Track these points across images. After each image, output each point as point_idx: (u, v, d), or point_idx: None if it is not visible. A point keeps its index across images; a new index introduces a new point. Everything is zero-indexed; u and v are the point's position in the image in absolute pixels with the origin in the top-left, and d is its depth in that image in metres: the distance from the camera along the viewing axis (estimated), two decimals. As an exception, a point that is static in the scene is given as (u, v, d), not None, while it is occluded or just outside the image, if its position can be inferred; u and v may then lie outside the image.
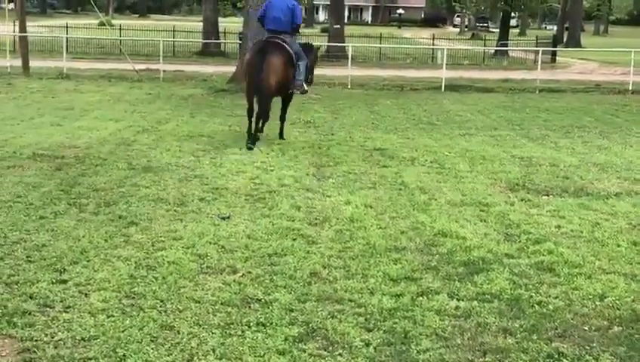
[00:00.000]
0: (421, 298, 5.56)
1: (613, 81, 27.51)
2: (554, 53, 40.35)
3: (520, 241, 7.14)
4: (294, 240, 6.94)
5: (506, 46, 42.68)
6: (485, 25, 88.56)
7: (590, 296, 5.68)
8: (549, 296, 5.68)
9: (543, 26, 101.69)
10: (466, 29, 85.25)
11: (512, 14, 57.69)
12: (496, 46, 43.92)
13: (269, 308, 5.30)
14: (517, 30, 79.07)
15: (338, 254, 6.58)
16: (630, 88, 24.59)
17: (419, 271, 6.16)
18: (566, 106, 19.82)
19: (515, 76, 29.43)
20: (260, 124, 12.79)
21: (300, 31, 14.15)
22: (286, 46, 12.47)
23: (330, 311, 5.29)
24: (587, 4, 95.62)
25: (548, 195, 9.24)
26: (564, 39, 62.51)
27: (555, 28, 75.66)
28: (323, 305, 5.38)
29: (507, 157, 11.87)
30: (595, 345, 4.85)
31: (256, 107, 12.40)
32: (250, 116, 12.37)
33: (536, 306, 5.46)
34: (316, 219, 7.76)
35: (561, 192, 9.38)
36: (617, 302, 5.58)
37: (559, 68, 37.56)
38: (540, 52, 30.67)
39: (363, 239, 7.05)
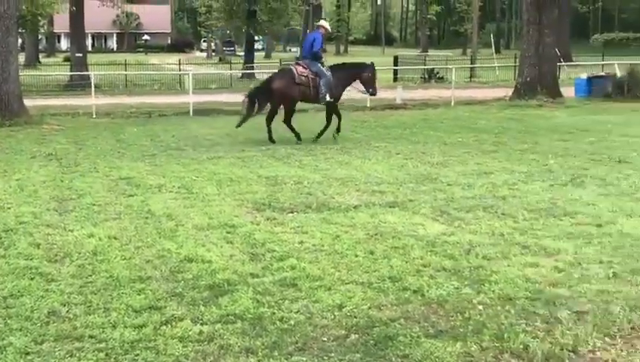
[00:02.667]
0: (164, 326, 5.51)
1: (353, 99, 28.76)
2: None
3: (265, 260, 7.28)
4: (32, 279, 6.64)
5: (253, 69, 43.55)
6: (232, 49, 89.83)
7: (330, 307, 5.90)
8: (291, 311, 5.83)
9: (288, 48, 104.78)
10: (213, 54, 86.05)
11: (257, 38, 59.08)
12: (243, 69, 44.73)
13: (2, 353, 5.01)
14: (263, 53, 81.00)
15: (79, 290, 6.37)
16: (368, 105, 25.92)
17: (163, 300, 6.10)
18: (309, 124, 20.47)
19: (261, 98, 29.97)
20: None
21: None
22: (293, 68, 16.91)
23: (69, 349, 5.10)
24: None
25: (292, 212, 9.49)
26: (308, 60, 64.74)
27: (298, 50, 78.21)
28: (61, 345, 5.18)
29: (254, 177, 12.08)
30: (333, 354, 5.05)
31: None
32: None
33: (278, 322, 5.59)
34: (56, 255, 7.47)
35: (305, 208, 9.68)
36: (355, 310, 5.83)
37: (304, 88, 38.77)
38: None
39: (106, 272, 6.87)
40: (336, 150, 15.31)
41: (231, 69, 44.71)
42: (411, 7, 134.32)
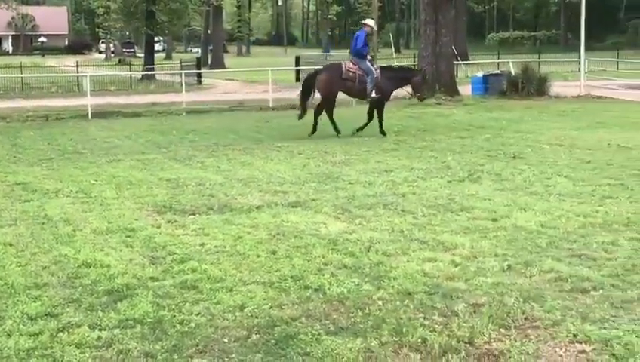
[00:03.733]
0: (61, 333, 5.39)
1: (256, 99, 28.88)
2: (199, 75, 41.41)
3: (165, 263, 7.21)
4: None
5: (153, 70, 43.01)
6: (132, 50, 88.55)
7: (231, 308, 5.88)
8: (192, 313, 5.79)
9: (189, 48, 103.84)
10: (112, 55, 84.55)
11: (157, 38, 58.34)
12: (143, 70, 44.11)
13: None
14: (163, 54, 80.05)
15: (-28, 299, 6.16)
16: (271, 105, 25.96)
17: (60, 306, 5.97)
18: (212, 126, 20.42)
19: (162, 99, 29.67)
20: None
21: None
22: (343, 64, 17.81)
23: (-39, 361, 4.94)
24: (229, 26, 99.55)
25: (194, 214, 9.42)
26: (209, 61, 64.37)
27: (199, 50, 77.66)
28: (-47, 357, 5.01)
29: (155, 180, 11.93)
30: (234, 355, 5.04)
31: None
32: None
33: (178, 325, 5.54)
34: (-52, 264, 7.21)
35: (207, 210, 9.61)
36: (256, 310, 5.83)
37: (205, 89, 38.56)
38: (183, 75, 31.37)
39: (1, 279, 6.68)
40: (239, 151, 15.25)
41: (130, 71, 43.99)
42: (312, 8, 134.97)
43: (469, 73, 36.60)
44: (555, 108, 23.43)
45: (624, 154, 13.62)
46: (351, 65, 17.67)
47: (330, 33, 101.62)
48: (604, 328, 5.33)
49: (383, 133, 17.38)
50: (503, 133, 17.17)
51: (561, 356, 4.97)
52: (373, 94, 17.54)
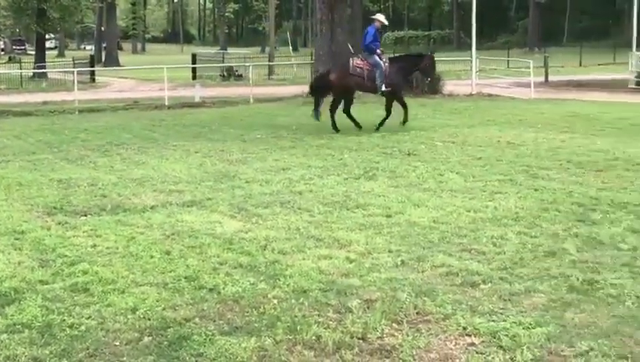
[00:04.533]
0: (-55, 341, 5.18)
1: (151, 97, 28.47)
2: (93, 73, 40.54)
3: (55, 265, 7.02)
4: None
5: (44, 68, 41.88)
6: (22, 47, 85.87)
7: (123, 311, 5.77)
8: (82, 316, 5.66)
9: (82, 46, 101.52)
10: (2, 53, 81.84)
11: (48, 35, 56.80)
12: (34, 68, 42.88)
13: None
14: (55, 51, 78.00)
15: None
16: (166, 103, 25.64)
17: (-57, 313, 5.74)
18: (105, 125, 20.02)
19: (54, 98, 28.93)
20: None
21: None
22: (350, 60, 17.99)
23: None
24: (123, 23, 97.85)
25: (85, 215, 9.21)
26: (103, 58, 63.10)
27: (93, 48, 75.98)
28: None
29: (45, 181, 11.61)
30: (125, 358, 4.95)
31: None
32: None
33: (68, 329, 5.40)
34: None
35: (99, 211, 9.43)
36: (149, 312, 5.74)
37: (99, 87, 37.81)
38: (76, 73, 30.64)
39: None
40: (134, 150, 14.99)
41: (21, 69, 42.71)
42: (209, 5, 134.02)
43: (365, 71, 36.92)
44: (448, 106, 23.94)
45: (513, 150, 14.02)
46: (359, 60, 17.91)
47: (227, 31, 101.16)
48: (493, 320, 5.47)
49: (403, 122, 17.74)
50: (398, 130, 17.41)
51: (451, 349, 5.07)
52: (384, 88, 17.66)
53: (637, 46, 33.85)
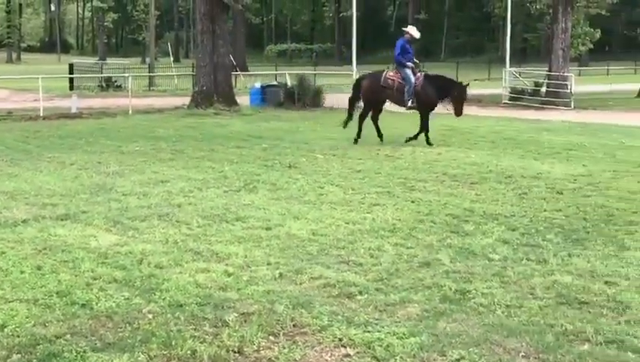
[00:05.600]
0: None
1: (25, 108, 27.52)
2: (-36, 82, 38.96)
3: None
4: None
5: None
6: None
7: (-8, 328, 5.55)
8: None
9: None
10: None
11: None
12: None
13: None
14: None
15: None
16: (42, 114, 24.88)
17: None
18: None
19: None
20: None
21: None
22: (385, 71, 17.99)
23: None
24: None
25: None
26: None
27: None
28: None
29: None
30: (-10, 378, 4.76)
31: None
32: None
33: None
34: None
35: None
36: (18, 329, 5.54)
37: (-29, 97, 36.31)
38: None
39: None
40: (6, 162, 14.45)
41: None
42: (87, 14, 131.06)
43: (247, 84, 37.01)
44: (329, 119, 24.14)
45: (391, 163, 14.30)
46: (392, 73, 17.76)
47: (106, 41, 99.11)
48: (368, 331, 5.54)
49: (428, 142, 17.17)
50: (279, 143, 17.47)
51: (326, 360, 5.11)
52: (410, 103, 17.46)
53: (510, 63, 35.14)
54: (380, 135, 17.86)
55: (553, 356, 5.16)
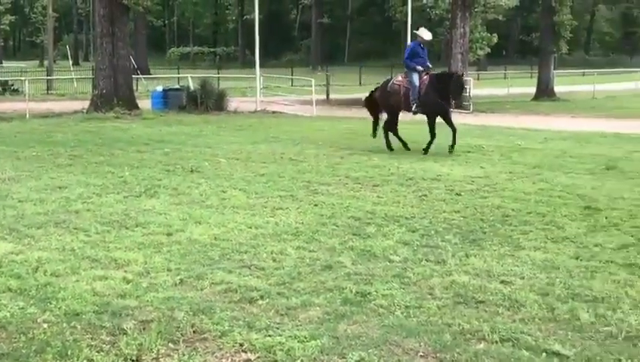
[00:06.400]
0: None
1: None
2: None
3: None
4: None
5: None
6: None
7: None
8: None
9: None
10: None
11: None
12: None
13: None
14: None
15: None
16: None
17: None
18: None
19: None
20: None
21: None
22: (392, 78, 17.74)
23: None
24: None
25: None
26: None
27: None
28: None
29: None
30: None
31: None
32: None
33: None
34: None
35: None
36: None
37: None
38: None
39: None
40: None
41: None
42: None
43: (149, 87, 36.51)
44: (233, 122, 24.10)
45: (295, 166, 14.32)
46: (400, 78, 17.29)
47: (2, 43, 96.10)
48: (269, 335, 5.52)
49: (425, 149, 16.57)
50: (182, 147, 17.29)
51: (227, 366, 5.08)
52: (413, 108, 16.91)
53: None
54: (404, 144, 17.17)
55: (450, 355, 5.26)
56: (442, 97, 16.52)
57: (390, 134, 17.42)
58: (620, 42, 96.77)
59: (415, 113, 17.22)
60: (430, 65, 17.21)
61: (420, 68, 16.89)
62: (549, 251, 8.13)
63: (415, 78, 16.89)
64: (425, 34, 17.36)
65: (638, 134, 21.16)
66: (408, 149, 17.09)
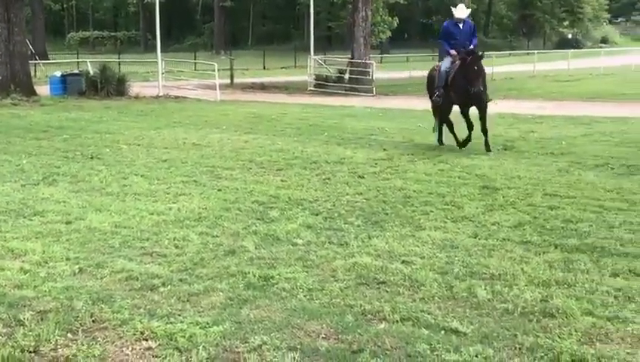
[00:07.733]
0: None
1: None
2: None
3: None
4: None
5: None
6: None
7: None
8: None
9: None
10: None
11: None
12: None
13: None
14: None
15: None
16: None
17: None
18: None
19: None
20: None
21: None
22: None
23: None
24: None
25: None
26: None
27: None
28: None
29: None
30: None
31: None
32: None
33: None
34: None
35: None
36: None
37: None
38: None
39: None
40: None
41: None
42: None
43: (47, 73, 35.55)
44: (134, 108, 23.71)
45: (198, 151, 14.20)
46: (439, 63, 15.48)
47: None
48: (170, 322, 5.48)
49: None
50: (81, 133, 16.91)
51: (127, 355, 5.01)
52: (435, 96, 14.93)
53: (315, 51, 35.83)
54: (458, 142, 14.85)
55: (352, 336, 5.32)
56: (468, 86, 13.97)
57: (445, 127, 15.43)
58: (517, 25, 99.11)
59: (435, 101, 15.13)
60: (472, 46, 14.69)
61: (453, 52, 14.68)
62: (449, 231, 8.30)
63: (445, 62, 14.94)
64: (458, 11, 14.89)
65: (534, 115, 21.77)
66: (442, 144, 15.43)
